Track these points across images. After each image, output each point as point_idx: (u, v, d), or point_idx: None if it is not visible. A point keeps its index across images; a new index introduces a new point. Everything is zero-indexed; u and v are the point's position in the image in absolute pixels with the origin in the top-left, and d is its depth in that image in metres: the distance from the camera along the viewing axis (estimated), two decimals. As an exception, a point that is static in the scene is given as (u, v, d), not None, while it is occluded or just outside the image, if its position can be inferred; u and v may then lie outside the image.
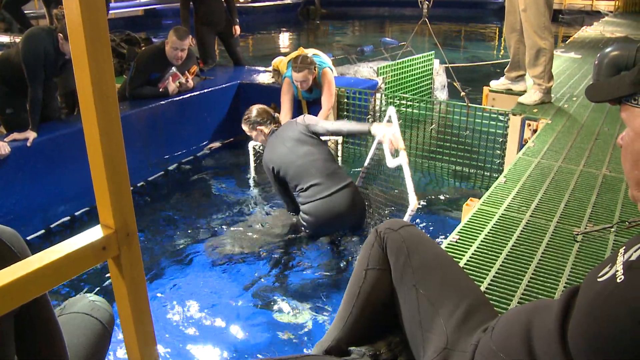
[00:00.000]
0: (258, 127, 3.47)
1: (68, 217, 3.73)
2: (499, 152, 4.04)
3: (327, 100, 4.37)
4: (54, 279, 0.82)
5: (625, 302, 0.89)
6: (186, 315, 2.70)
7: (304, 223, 3.20)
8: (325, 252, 3.17)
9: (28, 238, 3.43)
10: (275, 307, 2.73)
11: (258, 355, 2.42)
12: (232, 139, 5.02)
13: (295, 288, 2.89)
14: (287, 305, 2.73)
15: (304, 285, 2.91)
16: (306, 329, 2.56)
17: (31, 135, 3.39)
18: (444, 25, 15.34)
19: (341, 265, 3.06)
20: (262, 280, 2.96)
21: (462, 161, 4.19)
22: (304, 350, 2.41)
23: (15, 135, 3.37)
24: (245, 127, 3.54)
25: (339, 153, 4.44)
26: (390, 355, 1.43)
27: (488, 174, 4.12)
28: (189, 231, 3.53)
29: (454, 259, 2.00)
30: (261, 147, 4.25)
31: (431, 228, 3.42)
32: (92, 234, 0.87)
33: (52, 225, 3.64)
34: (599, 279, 1.01)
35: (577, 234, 2.17)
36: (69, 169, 3.68)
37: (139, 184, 4.28)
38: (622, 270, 0.95)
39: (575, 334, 0.96)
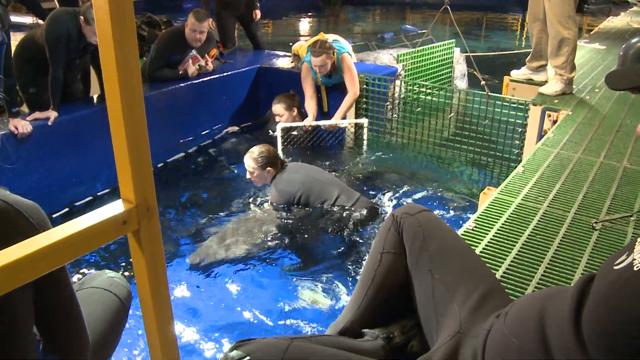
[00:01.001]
0: (268, 168, 3.35)
1: (90, 197, 3.77)
2: (517, 142, 4.01)
3: (352, 85, 4.38)
4: (74, 252, 0.83)
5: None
6: (201, 293, 2.74)
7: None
8: (341, 236, 3.19)
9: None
10: (290, 289, 2.76)
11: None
12: (249, 123, 5.04)
13: (310, 271, 2.91)
14: (302, 287, 2.76)
15: (319, 268, 2.93)
16: (320, 311, 2.58)
17: (52, 114, 3.44)
18: (465, 14, 15.17)
19: (356, 249, 3.07)
20: (277, 262, 2.99)
21: (481, 150, 4.17)
22: (317, 331, 2.44)
23: (37, 115, 3.41)
24: (253, 164, 3.35)
25: (364, 137, 4.50)
26: (404, 338, 1.44)
27: (506, 163, 4.09)
28: (206, 213, 3.56)
29: (470, 246, 2.01)
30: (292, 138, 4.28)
31: (447, 215, 3.41)
32: (113, 208, 0.88)
33: (73, 204, 3.68)
34: (615, 267, 1.00)
35: (596, 222, 2.15)
36: (90, 149, 3.73)
37: (158, 165, 4.31)
38: (639, 259, 0.94)
39: (589, 321, 0.96)
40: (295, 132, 4.48)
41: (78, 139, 3.69)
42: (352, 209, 3.28)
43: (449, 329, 1.26)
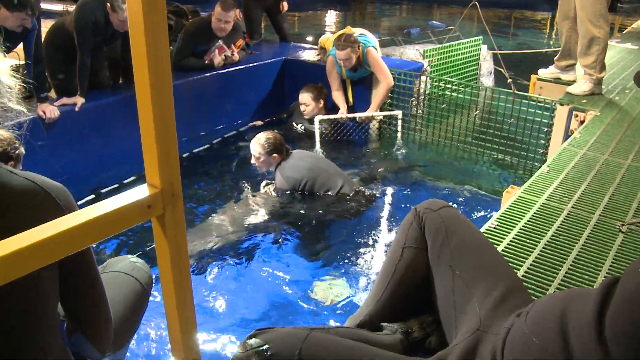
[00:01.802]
0: (274, 155, 3.41)
1: (116, 185, 3.82)
2: (543, 141, 3.96)
3: (384, 77, 4.38)
4: (99, 233, 0.84)
5: None
6: (220, 280, 2.76)
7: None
8: (362, 230, 3.19)
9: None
10: (309, 280, 2.77)
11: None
12: (274, 117, 5.05)
13: (331, 263, 2.92)
14: (321, 279, 2.76)
15: (339, 262, 2.93)
16: (340, 304, 2.59)
17: (79, 100, 3.49)
18: (493, 11, 14.99)
19: (377, 243, 3.07)
20: (297, 253, 3.00)
21: (505, 149, 4.13)
22: (336, 323, 2.44)
23: (65, 100, 3.46)
24: (259, 150, 3.40)
25: (398, 128, 4.55)
26: (423, 334, 1.43)
27: (530, 163, 4.05)
28: (224, 202, 3.58)
29: (493, 244, 1.99)
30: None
31: (470, 213, 3.39)
32: (139, 192, 0.89)
33: (99, 191, 3.73)
34: (640, 268, 0.99)
35: (623, 225, 2.12)
36: (116, 136, 3.77)
37: (183, 155, 4.35)
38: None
39: (612, 324, 0.95)
40: (325, 125, 4.49)
41: (104, 126, 3.74)
42: (356, 197, 3.36)
43: (467, 326, 1.26)
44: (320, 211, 3.31)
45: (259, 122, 5.02)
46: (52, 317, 1.10)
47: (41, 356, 1.07)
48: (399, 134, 4.56)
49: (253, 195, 3.56)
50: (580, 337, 0.99)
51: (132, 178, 3.91)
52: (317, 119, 4.40)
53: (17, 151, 2.10)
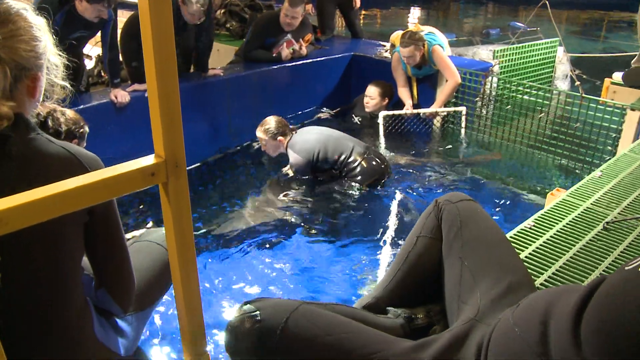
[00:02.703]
0: (279, 138, 3.59)
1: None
2: (610, 147, 3.81)
3: (450, 74, 4.37)
4: (107, 192, 0.95)
5: (638, 291, 0.88)
6: (235, 259, 2.90)
7: (354, 185, 3.54)
8: (383, 221, 3.26)
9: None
10: (324, 265, 2.85)
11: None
12: (338, 109, 5.12)
13: (349, 250, 2.99)
14: (336, 263, 2.84)
15: (357, 249, 3.01)
16: (354, 289, 2.65)
17: (150, 87, 3.69)
18: (586, 13, 14.35)
19: (398, 234, 3.13)
20: (319, 241, 3.11)
21: (569, 154, 4.00)
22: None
23: (136, 86, 3.69)
24: (263, 136, 3.62)
25: (463, 124, 4.53)
26: (427, 322, 1.46)
27: (596, 169, 3.88)
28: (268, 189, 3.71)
29: (524, 244, 1.98)
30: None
31: (521, 215, 3.33)
32: (144, 161, 0.99)
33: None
34: (626, 268, 0.99)
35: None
36: (184, 121, 3.96)
37: (244, 144, 4.50)
38: (648, 261, 0.93)
39: (589, 318, 0.96)
40: (389, 120, 4.53)
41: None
42: (367, 161, 3.55)
43: (465, 315, 1.28)
44: (356, 200, 3.39)
45: (325, 114, 5.11)
46: (74, 270, 1.23)
47: (61, 302, 1.20)
48: (462, 130, 4.52)
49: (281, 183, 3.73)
50: (558, 331, 1.00)
51: (197, 164, 4.09)
52: (381, 114, 4.44)
53: (81, 130, 2.29)
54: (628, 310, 0.87)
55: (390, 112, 4.50)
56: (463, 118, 4.51)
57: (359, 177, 3.52)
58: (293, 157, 3.58)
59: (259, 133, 3.63)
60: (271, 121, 3.63)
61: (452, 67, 4.37)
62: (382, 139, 4.42)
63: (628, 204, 2.30)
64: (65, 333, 1.24)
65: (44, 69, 1.20)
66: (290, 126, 3.72)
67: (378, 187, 3.59)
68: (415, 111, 4.53)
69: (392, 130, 4.53)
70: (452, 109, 4.55)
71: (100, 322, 1.35)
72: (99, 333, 1.31)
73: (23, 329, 1.18)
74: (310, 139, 3.59)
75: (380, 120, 4.45)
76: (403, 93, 4.61)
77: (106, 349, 1.34)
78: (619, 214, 2.20)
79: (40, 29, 1.17)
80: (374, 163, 3.57)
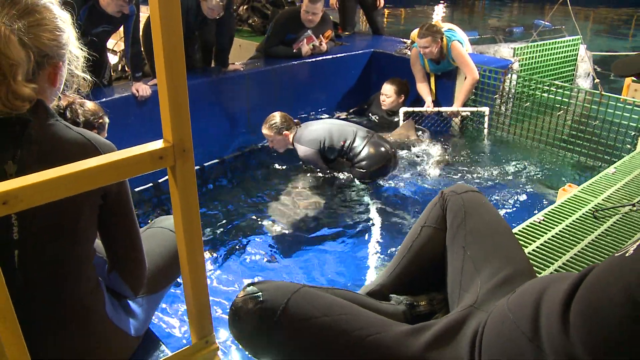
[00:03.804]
0: (284, 132, 3.67)
1: (197, 167, 4.09)
2: (629, 146, 3.77)
3: (468, 71, 4.38)
4: (117, 174, 1.01)
5: (623, 277, 0.90)
6: (242, 250, 2.96)
7: (362, 171, 3.60)
8: (391, 214, 3.31)
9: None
10: (328, 255, 2.93)
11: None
12: (355, 108, 5.15)
13: (354, 240, 3.07)
14: (344, 254, 2.91)
15: (362, 239, 3.07)
16: (359, 279, 2.70)
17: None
18: (616, 10, 14.11)
19: (404, 225, 3.19)
20: (325, 232, 3.17)
21: (587, 152, 3.98)
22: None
23: (157, 80, 3.75)
24: (268, 132, 3.70)
25: (485, 125, 4.51)
26: (429, 309, 1.50)
27: (612, 167, 3.87)
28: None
29: (532, 237, 2.00)
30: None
31: (533, 211, 3.34)
32: (153, 145, 1.04)
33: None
34: (615, 255, 1.01)
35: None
36: (202, 116, 4.04)
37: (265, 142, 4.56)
38: (635, 247, 0.95)
39: (576, 302, 0.98)
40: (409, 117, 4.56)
41: (192, 106, 4.01)
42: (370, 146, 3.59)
43: (465, 302, 1.31)
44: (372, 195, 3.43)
45: (344, 114, 5.13)
46: (87, 251, 1.29)
47: (73, 281, 1.27)
48: (485, 131, 4.50)
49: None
50: (548, 316, 1.02)
51: (215, 160, 4.15)
52: (402, 110, 4.46)
53: (100, 120, 2.37)
54: (611, 293, 0.90)
55: (411, 109, 4.52)
56: (486, 119, 4.48)
57: (364, 162, 3.57)
58: (302, 150, 3.65)
59: (265, 130, 3.72)
60: (276, 117, 3.71)
61: (470, 63, 4.37)
62: None
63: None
64: (77, 311, 1.30)
65: (65, 59, 1.26)
66: (295, 120, 3.79)
67: (385, 178, 3.67)
68: (437, 109, 4.54)
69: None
70: (475, 108, 4.54)
71: (112, 302, 1.41)
72: (110, 312, 1.37)
73: (36, 306, 1.24)
74: (315, 129, 3.67)
75: (401, 116, 4.46)
76: (422, 89, 4.62)
77: (117, 328, 1.40)
78: (630, 208, 2.20)
79: (65, 21, 1.23)
80: (381, 149, 3.61)
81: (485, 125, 4.50)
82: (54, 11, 1.20)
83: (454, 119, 4.64)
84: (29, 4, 1.15)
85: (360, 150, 3.59)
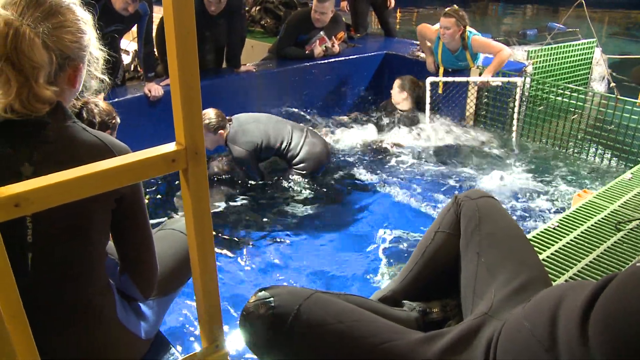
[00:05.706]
0: (220, 131, 3.44)
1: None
2: (645, 150, 3.73)
3: (498, 50, 4.28)
4: (130, 176, 1.00)
5: None
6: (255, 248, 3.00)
7: (302, 171, 3.61)
8: (400, 215, 3.34)
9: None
10: (337, 261, 2.92)
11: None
12: (367, 112, 5.13)
13: (365, 245, 3.05)
14: (350, 259, 2.90)
15: (374, 244, 3.05)
16: (370, 284, 2.69)
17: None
18: (631, 13, 13.96)
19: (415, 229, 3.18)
20: (331, 237, 3.18)
21: (602, 157, 3.94)
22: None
23: (170, 83, 3.76)
24: (205, 132, 3.49)
25: (517, 96, 4.36)
26: (442, 316, 1.48)
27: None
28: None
29: (547, 244, 1.97)
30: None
31: (547, 216, 3.31)
32: (166, 148, 1.03)
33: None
34: (637, 264, 0.99)
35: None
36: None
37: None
38: (657, 258, 0.93)
39: (598, 313, 0.96)
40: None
41: (205, 106, 4.02)
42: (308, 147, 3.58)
43: (479, 309, 1.29)
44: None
45: (356, 114, 5.10)
46: (98, 247, 1.28)
47: (84, 282, 1.26)
48: (515, 109, 4.31)
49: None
50: (566, 326, 1.00)
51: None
52: (428, 80, 4.43)
53: (113, 120, 2.36)
54: (633, 304, 0.88)
55: (437, 79, 4.48)
56: (518, 90, 4.27)
57: (303, 164, 3.57)
58: (237, 151, 3.46)
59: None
60: (211, 114, 3.45)
61: (495, 43, 4.35)
62: (427, 108, 4.44)
63: (657, 208, 2.26)
64: (88, 313, 1.30)
65: (85, 60, 1.26)
66: (227, 117, 3.59)
67: (396, 183, 3.64)
68: (465, 79, 4.44)
69: (439, 102, 4.55)
70: (506, 79, 4.33)
71: (123, 304, 1.40)
72: (121, 315, 1.37)
73: (47, 306, 1.24)
74: (250, 129, 3.50)
75: (427, 87, 4.43)
76: (429, 63, 4.64)
77: (127, 331, 1.39)
78: (646, 217, 2.17)
79: (87, 23, 1.23)
80: (317, 148, 3.61)
81: (517, 96, 4.30)
82: (77, 12, 1.20)
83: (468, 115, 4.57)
84: (53, 5, 1.15)
85: (298, 152, 3.57)
